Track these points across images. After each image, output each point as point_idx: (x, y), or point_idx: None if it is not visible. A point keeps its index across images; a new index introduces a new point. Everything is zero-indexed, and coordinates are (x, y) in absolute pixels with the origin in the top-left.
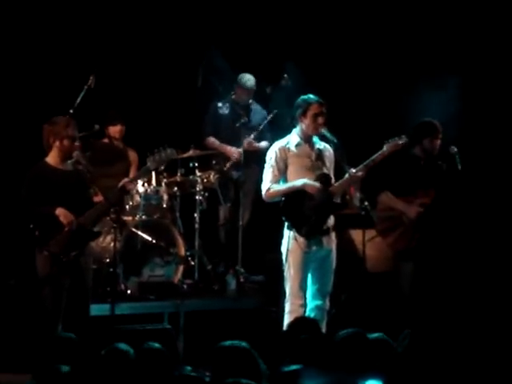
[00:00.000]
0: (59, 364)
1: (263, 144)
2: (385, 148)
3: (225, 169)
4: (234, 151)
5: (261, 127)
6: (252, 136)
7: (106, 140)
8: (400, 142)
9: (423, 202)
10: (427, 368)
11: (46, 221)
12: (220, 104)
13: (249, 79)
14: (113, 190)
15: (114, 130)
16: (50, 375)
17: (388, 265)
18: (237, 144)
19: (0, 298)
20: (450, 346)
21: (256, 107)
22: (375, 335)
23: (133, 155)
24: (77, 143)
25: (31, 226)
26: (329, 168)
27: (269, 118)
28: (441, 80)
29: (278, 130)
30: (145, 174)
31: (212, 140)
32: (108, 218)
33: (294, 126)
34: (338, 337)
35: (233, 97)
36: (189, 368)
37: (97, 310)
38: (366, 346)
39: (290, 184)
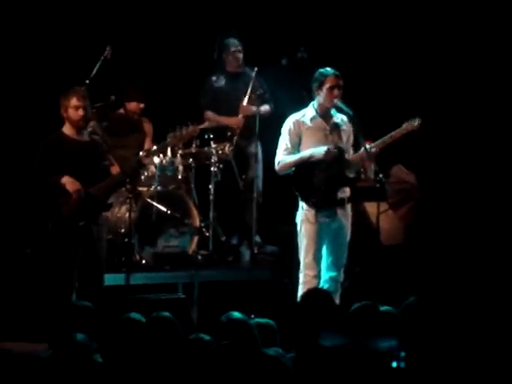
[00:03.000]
0: (75, 332)
1: (263, 108)
2: (403, 127)
3: (234, 140)
4: (233, 120)
5: (249, 90)
6: (244, 101)
7: (121, 111)
8: (418, 123)
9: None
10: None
11: (55, 190)
12: (214, 77)
13: (230, 41)
14: (129, 163)
15: (132, 106)
16: (65, 344)
17: (399, 238)
18: (237, 115)
19: (16, 267)
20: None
21: (250, 73)
22: (385, 308)
23: (148, 126)
24: (85, 113)
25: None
26: (345, 142)
27: (253, 77)
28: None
29: (294, 102)
30: (163, 149)
31: (210, 114)
32: (123, 189)
33: (312, 99)
34: (352, 309)
35: (226, 68)
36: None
37: (112, 279)
38: (378, 318)
39: (299, 155)
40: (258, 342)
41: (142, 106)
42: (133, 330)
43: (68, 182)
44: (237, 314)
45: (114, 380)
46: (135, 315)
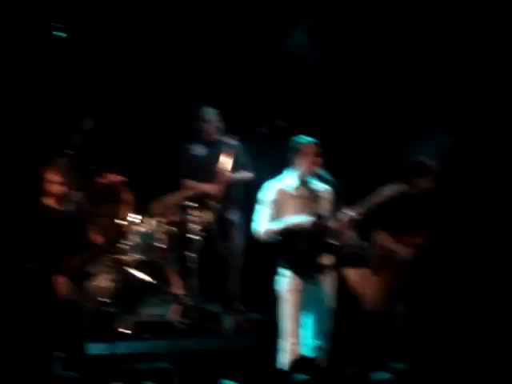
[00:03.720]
0: None
1: (242, 175)
2: (383, 193)
3: (216, 207)
4: (211, 187)
5: (230, 158)
6: (223, 169)
7: (102, 180)
8: (398, 189)
9: (418, 242)
10: None
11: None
12: (191, 146)
13: (208, 110)
14: (112, 231)
15: (113, 178)
16: None
17: (383, 304)
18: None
19: None
20: None
21: (229, 142)
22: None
23: (127, 195)
24: (65, 188)
25: None
26: (325, 209)
27: (234, 145)
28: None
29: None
30: (148, 217)
31: (189, 182)
32: (105, 258)
33: (288, 165)
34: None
35: (203, 136)
36: None
37: (94, 349)
38: None
39: (284, 223)
40: None
41: (122, 177)
42: None
43: (60, 283)
44: (228, 383)
45: None
46: None
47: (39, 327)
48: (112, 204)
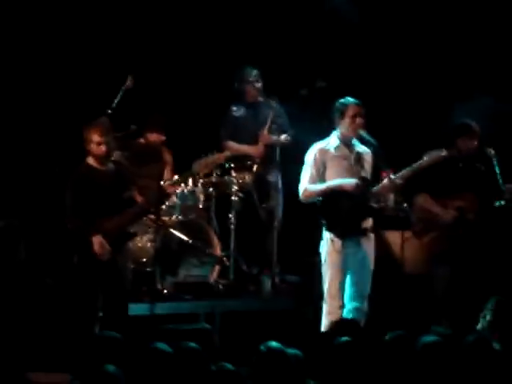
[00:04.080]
0: (104, 363)
1: (283, 137)
2: (425, 159)
3: (254, 170)
4: (253, 149)
5: (269, 119)
6: (265, 130)
7: (142, 140)
8: (440, 155)
9: (460, 205)
10: None
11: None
12: (234, 107)
13: (249, 71)
14: (153, 192)
15: (153, 137)
16: (97, 375)
17: (424, 267)
18: (257, 144)
19: (37, 297)
20: None
21: (270, 103)
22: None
23: (168, 156)
24: (107, 147)
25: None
26: (367, 171)
27: (273, 106)
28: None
29: (315, 131)
30: (188, 177)
31: (231, 143)
32: (145, 219)
33: (333, 128)
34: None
35: (245, 97)
36: (227, 364)
37: (134, 309)
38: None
39: (326, 184)
40: (295, 374)
41: (162, 137)
42: (160, 360)
43: (97, 243)
44: (275, 344)
45: None
46: (162, 345)
47: (80, 287)
48: (152, 164)
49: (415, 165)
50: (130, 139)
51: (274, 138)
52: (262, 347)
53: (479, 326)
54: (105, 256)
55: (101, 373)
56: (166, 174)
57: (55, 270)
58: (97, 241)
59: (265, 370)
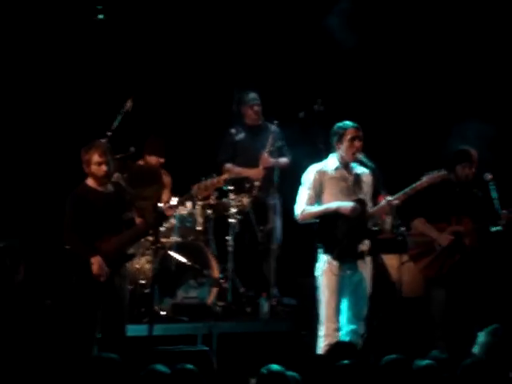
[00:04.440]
0: None
1: (282, 160)
2: (424, 179)
3: (253, 193)
4: (253, 172)
5: (269, 142)
6: (265, 153)
7: (141, 162)
8: (439, 175)
9: (456, 229)
10: None
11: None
12: (234, 130)
13: (249, 95)
14: (152, 214)
15: (152, 160)
16: None
17: (421, 290)
18: (257, 166)
19: (36, 318)
20: None
21: (269, 126)
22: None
23: (166, 179)
24: (108, 168)
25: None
26: (366, 193)
27: (273, 129)
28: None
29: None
30: (188, 200)
31: (230, 166)
32: (143, 240)
33: (329, 150)
34: (383, 362)
35: (245, 121)
36: None
37: (132, 330)
38: (410, 373)
39: (324, 206)
40: None
41: (161, 160)
42: (158, 381)
43: (95, 263)
44: (276, 367)
45: None
46: (160, 367)
47: (78, 308)
48: (151, 186)
49: (414, 185)
50: (129, 161)
51: (273, 160)
52: (263, 370)
53: (475, 349)
54: (103, 277)
55: None
56: (165, 196)
57: (54, 290)
58: (95, 261)
59: None
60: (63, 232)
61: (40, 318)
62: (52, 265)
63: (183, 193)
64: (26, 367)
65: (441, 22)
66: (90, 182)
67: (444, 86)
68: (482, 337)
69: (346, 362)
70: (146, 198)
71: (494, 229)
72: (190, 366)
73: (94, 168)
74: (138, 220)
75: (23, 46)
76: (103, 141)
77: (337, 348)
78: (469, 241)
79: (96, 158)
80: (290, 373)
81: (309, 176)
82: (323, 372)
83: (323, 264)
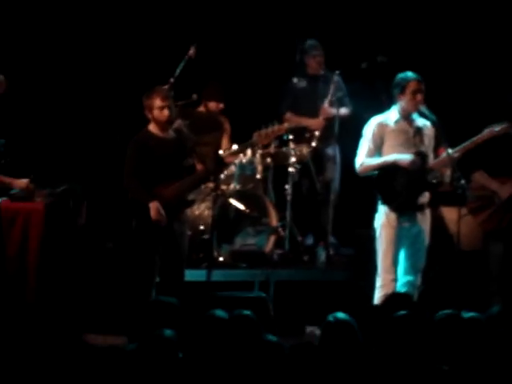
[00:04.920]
0: (160, 328)
1: (342, 111)
2: (485, 132)
3: (313, 144)
4: (313, 122)
5: (330, 92)
6: (326, 103)
7: (202, 109)
8: (501, 128)
9: None
10: None
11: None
12: (296, 79)
13: (312, 44)
14: (214, 160)
15: (212, 105)
16: (153, 339)
17: (479, 243)
18: (317, 116)
19: (98, 261)
20: None
21: (331, 76)
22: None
23: (226, 124)
24: (170, 112)
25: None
26: (427, 146)
27: (334, 79)
28: None
29: (374, 105)
30: (249, 148)
31: (290, 115)
32: (204, 187)
33: (392, 102)
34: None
35: (307, 70)
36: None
37: (191, 275)
38: (462, 327)
39: (383, 159)
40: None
41: (221, 105)
42: (216, 327)
43: (154, 209)
44: (342, 315)
45: (195, 377)
46: (219, 312)
47: (138, 252)
48: (212, 133)
49: (475, 138)
50: (190, 108)
51: (334, 111)
52: (330, 318)
53: None
54: (161, 222)
55: (157, 337)
56: (225, 142)
57: (115, 234)
58: (154, 207)
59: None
60: (124, 177)
61: (101, 261)
62: (113, 209)
63: (244, 140)
64: (87, 308)
65: None
66: (152, 127)
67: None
68: None
69: (401, 312)
70: (207, 145)
71: None
72: (247, 312)
73: (156, 113)
74: (198, 166)
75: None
76: (165, 87)
77: (393, 299)
78: None
79: (158, 102)
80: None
81: (369, 128)
82: (379, 322)
83: (382, 215)
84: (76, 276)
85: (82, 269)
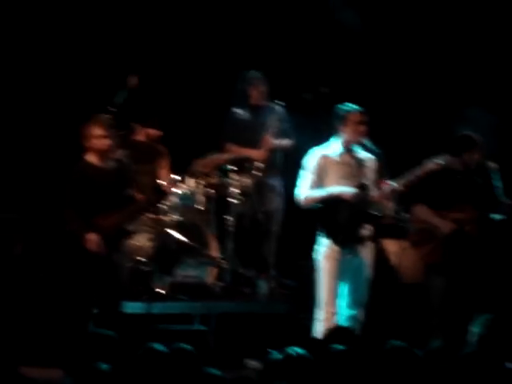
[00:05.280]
0: (97, 361)
1: (285, 142)
2: (427, 165)
3: (255, 174)
4: (256, 153)
5: (273, 123)
6: (268, 134)
7: (141, 137)
8: (443, 162)
9: (458, 217)
10: None
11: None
12: (238, 110)
13: (254, 74)
14: (154, 190)
15: (153, 133)
16: (89, 373)
17: (421, 276)
18: (259, 147)
19: (33, 292)
20: None
21: (274, 107)
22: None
23: (166, 154)
24: (111, 141)
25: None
26: (369, 178)
27: (277, 110)
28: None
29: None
30: (188, 177)
31: (232, 146)
32: (145, 218)
33: (333, 133)
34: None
35: (249, 100)
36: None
37: (130, 307)
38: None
39: (326, 191)
40: None
41: (160, 133)
42: (154, 360)
43: (91, 240)
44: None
45: None
46: (158, 346)
47: (74, 283)
48: (151, 162)
49: (417, 171)
50: (131, 137)
51: (277, 142)
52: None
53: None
54: (99, 253)
55: (94, 370)
56: (164, 171)
57: (51, 265)
58: (91, 238)
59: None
60: (61, 208)
61: (36, 292)
62: (50, 240)
63: (184, 169)
64: (22, 340)
65: (447, 5)
66: (90, 157)
67: (449, 72)
68: (474, 327)
69: (341, 347)
70: (147, 174)
71: (496, 217)
72: (187, 346)
73: (95, 142)
74: (138, 196)
75: (23, 19)
76: (106, 116)
77: (335, 332)
78: (470, 229)
79: (98, 131)
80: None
81: (312, 160)
82: (319, 356)
83: (323, 248)
84: (11, 307)
85: (18, 299)
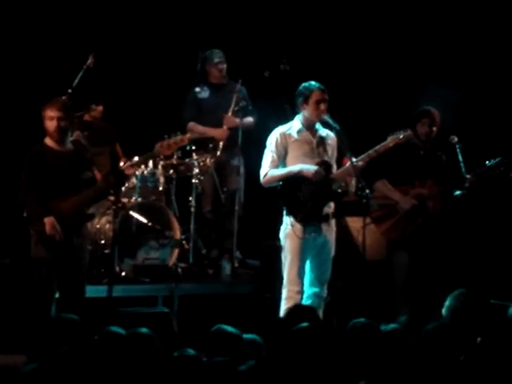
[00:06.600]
0: (60, 345)
1: (246, 120)
2: (388, 140)
3: (217, 154)
4: (217, 132)
5: (233, 102)
6: (229, 113)
7: (94, 114)
8: (403, 136)
9: (419, 192)
10: None
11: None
12: (198, 89)
13: (214, 53)
14: (114, 173)
15: (101, 109)
16: (51, 357)
17: (384, 253)
18: (221, 126)
19: None
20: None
21: (234, 85)
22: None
23: (118, 134)
24: (60, 123)
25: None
26: (330, 156)
27: (237, 88)
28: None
29: (277, 114)
30: (149, 159)
31: (193, 125)
32: (105, 200)
33: (296, 113)
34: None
35: (209, 79)
36: (189, 350)
37: (92, 291)
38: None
39: (287, 169)
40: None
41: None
42: (113, 343)
43: (48, 224)
44: (229, 328)
45: None
46: (116, 328)
47: (35, 268)
48: (108, 143)
49: (378, 146)
50: (88, 119)
51: (238, 121)
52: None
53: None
54: (56, 237)
55: (57, 355)
56: (119, 152)
57: (12, 250)
58: (49, 222)
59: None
60: (19, 191)
61: None
62: (10, 224)
63: (146, 151)
64: None
65: None
66: (48, 140)
67: (410, 48)
68: (448, 301)
69: (303, 325)
70: (105, 155)
71: (457, 193)
72: (144, 330)
73: (47, 123)
74: (98, 179)
75: None
76: (63, 98)
77: (296, 311)
78: (432, 204)
79: (49, 112)
80: (250, 335)
81: (272, 139)
82: (282, 335)
83: (287, 227)
84: None
85: None
